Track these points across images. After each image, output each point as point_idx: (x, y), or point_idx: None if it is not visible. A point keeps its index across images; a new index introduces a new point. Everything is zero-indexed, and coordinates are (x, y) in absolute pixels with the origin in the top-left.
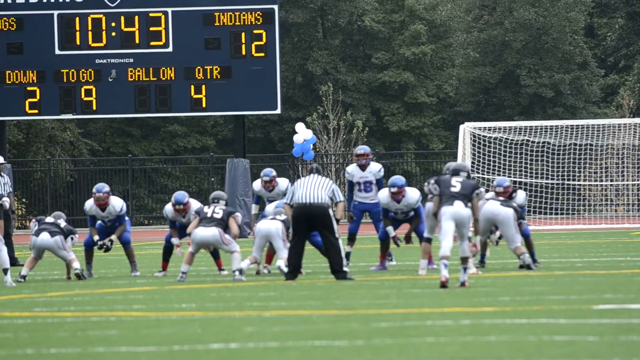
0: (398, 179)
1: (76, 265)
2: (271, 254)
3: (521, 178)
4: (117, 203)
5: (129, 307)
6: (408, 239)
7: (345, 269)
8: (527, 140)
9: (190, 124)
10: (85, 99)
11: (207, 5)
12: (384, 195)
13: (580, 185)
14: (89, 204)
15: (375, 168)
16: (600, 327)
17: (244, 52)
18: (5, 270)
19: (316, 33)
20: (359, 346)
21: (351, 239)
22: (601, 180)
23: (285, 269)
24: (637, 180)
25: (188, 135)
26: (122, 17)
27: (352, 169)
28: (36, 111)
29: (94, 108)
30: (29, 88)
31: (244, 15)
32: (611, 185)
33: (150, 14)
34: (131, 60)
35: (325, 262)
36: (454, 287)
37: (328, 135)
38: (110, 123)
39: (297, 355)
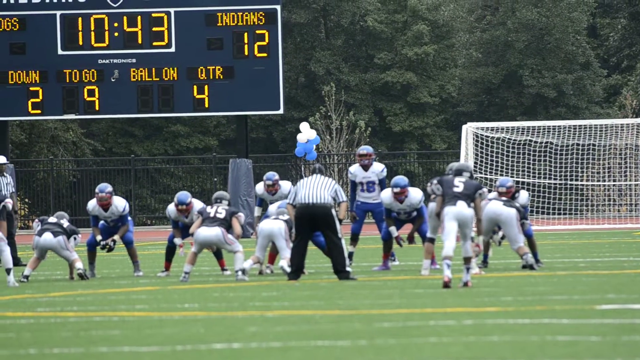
0: (401, 179)
1: (79, 265)
2: (274, 254)
3: (524, 178)
4: (119, 203)
5: (131, 307)
6: (411, 239)
7: (348, 269)
8: (530, 141)
9: (192, 124)
10: (88, 99)
11: (209, 6)
12: (386, 195)
13: (582, 185)
14: (92, 204)
15: (378, 168)
16: (603, 327)
17: (246, 53)
18: (8, 270)
19: (319, 33)
20: (362, 346)
21: (354, 239)
22: (604, 181)
23: (288, 269)
24: None
25: (191, 136)
26: (125, 18)
27: (354, 169)
28: (39, 111)
29: (97, 108)
30: (31, 88)
31: (246, 15)
32: (614, 185)
33: (153, 14)
34: (134, 60)
35: (328, 262)
36: (457, 287)
37: (331, 136)
38: (112, 123)
39: (300, 355)
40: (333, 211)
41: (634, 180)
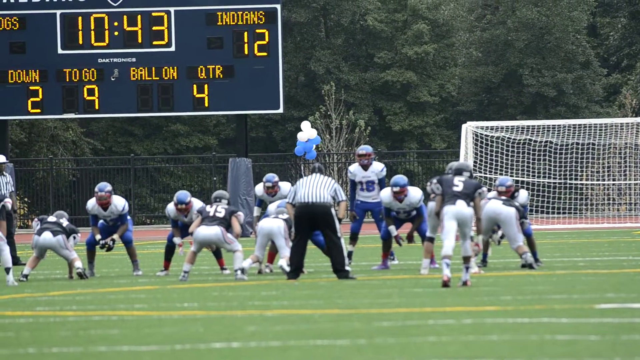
0: (400, 178)
1: (78, 264)
2: (273, 253)
3: (523, 177)
4: (119, 202)
5: (130, 306)
6: (410, 239)
7: (347, 268)
8: (530, 140)
9: (192, 124)
10: (88, 98)
11: (209, 5)
12: (386, 194)
13: (582, 184)
14: (91, 203)
15: (378, 167)
16: (602, 327)
17: (246, 52)
18: (7, 270)
19: (319, 32)
20: (361, 345)
21: (353, 238)
22: (603, 180)
23: (287, 268)
24: (639, 180)
25: (190, 135)
26: (125, 17)
27: (354, 168)
28: (39, 110)
29: (97, 107)
30: (31, 87)
31: (246, 14)
32: (613, 184)
33: (153, 14)
34: (134, 59)
35: (327, 261)
36: (456, 286)
37: (330, 135)
38: (112, 122)
39: (299, 354)
40: (332, 210)
41: (633, 180)
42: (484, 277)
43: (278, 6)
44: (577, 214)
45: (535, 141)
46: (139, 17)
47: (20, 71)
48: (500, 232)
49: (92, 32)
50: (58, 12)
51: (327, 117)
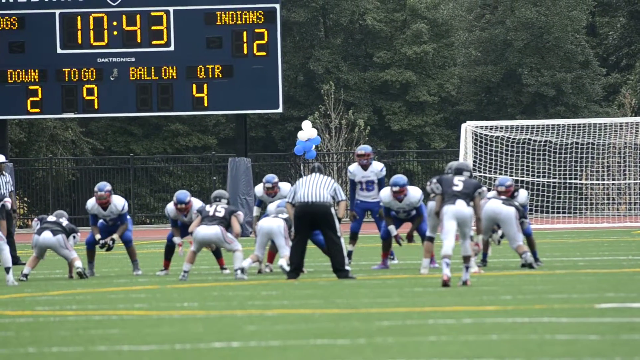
0: (400, 177)
1: (78, 264)
2: (273, 253)
3: (523, 177)
4: (118, 202)
5: (130, 306)
6: (410, 238)
7: (347, 267)
8: (529, 139)
9: (192, 123)
10: (87, 97)
11: (208, 4)
12: (385, 194)
13: (582, 184)
14: (91, 203)
15: (377, 167)
16: (602, 326)
17: (245, 51)
18: (7, 269)
19: (318, 32)
20: (361, 345)
21: (353, 238)
22: (603, 179)
23: (287, 268)
24: (639, 179)
25: (190, 134)
26: (124, 16)
27: (354, 168)
28: (38, 110)
29: (96, 107)
30: (30, 87)
31: (245, 14)
32: (613, 184)
33: (152, 13)
34: (133, 59)
35: (327, 260)
36: (456, 285)
37: (330, 134)
38: (112, 122)
39: (298, 354)
40: (332, 210)
41: (633, 179)
42: (484, 276)
43: (277, 6)
44: (576, 214)
45: (534, 141)
46: (138, 16)
47: (20, 71)
48: (500, 232)
49: (91, 32)
50: (57, 11)
51: (327, 116)
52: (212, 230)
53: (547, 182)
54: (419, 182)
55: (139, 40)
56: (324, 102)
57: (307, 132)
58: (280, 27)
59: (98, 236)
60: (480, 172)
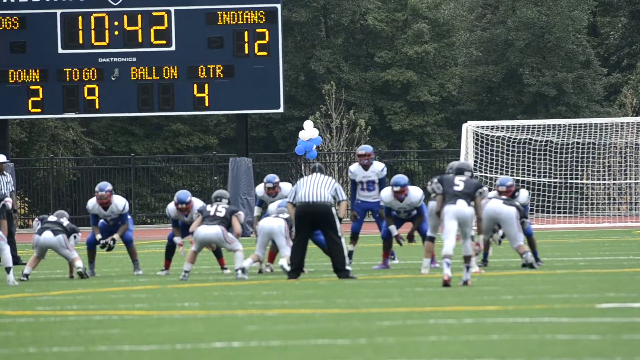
0: (401, 177)
1: (79, 264)
2: (274, 253)
3: (524, 177)
4: (119, 202)
5: (131, 305)
6: (411, 238)
7: (347, 267)
8: (530, 139)
9: (193, 123)
10: (88, 97)
11: (210, 4)
12: (386, 194)
13: (583, 184)
14: (92, 203)
15: (378, 167)
16: (602, 326)
17: (246, 51)
18: (8, 269)
19: (319, 32)
20: (362, 345)
21: (354, 238)
22: (604, 179)
23: (288, 268)
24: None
25: (191, 134)
26: (125, 16)
27: (354, 168)
28: (39, 110)
29: (97, 107)
30: (31, 87)
31: (246, 14)
32: (614, 184)
33: (153, 13)
34: (134, 59)
35: (327, 260)
36: (457, 285)
37: (331, 134)
38: (113, 122)
39: (299, 354)
40: (333, 210)
41: (634, 179)
42: (485, 276)
43: (278, 6)
44: (577, 214)
45: (535, 140)
46: (139, 16)
47: (21, 71)
48: (500, 232)
49: (93, 32)
50: (58, 11)
51: (328, 116)
52: (212, 230)
53: (548, 182)
54: (419, 182)
55: (140, 40)
56: (325, 102)
57: (309, 131)
58: (282, 27)
59: (99, 236)
60: (481, 172)
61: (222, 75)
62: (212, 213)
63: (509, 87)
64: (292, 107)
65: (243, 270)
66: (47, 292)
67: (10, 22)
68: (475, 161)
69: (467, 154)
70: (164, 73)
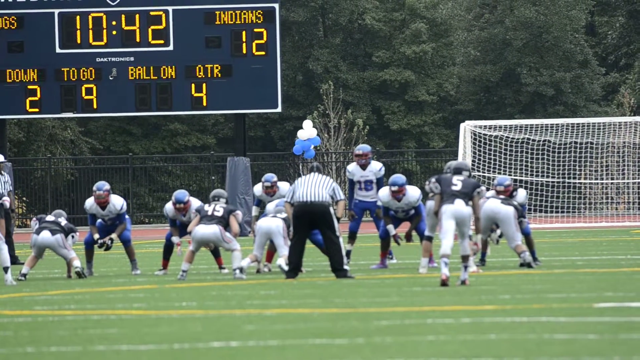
0: (399, 177)
1: (77, 263)
2: (272, 252)
3: (522, 176)
4: (117, 201)
5: (129, 305)
6: (409, 238)
7: (345, 267)
8: (528, 139)
9: (190, 123)
10: (86, 97)
11: (207, 4)
12: (384, 193)
13: (580, 183)
14: (90, 203)
15: (376, 167)
16: (600, 326)
17: (244, 51)
18: (5, 269)
19: (317, 31)
20: (359, 344)
21: (352, 237)
22: (602, 179)
23: (286, 268)
24: (638, 179)
25: (189, 134)
26: (123, 16)
27: (352, 167)
28: (37, 110)
29: (95, 106)
30: (29, 86)
31: (244, 13)
32: (612, 183)
33: (151, 13)
34: (132, 58)
35: (325, 260)
36: (455, 285)
37: (329, 134)
38: (110, 121)
39: (297, 353)
40: (331, 209)
41: (631, 179)
42: (483, 276)
43: (276, 5)
44: (575, 213)
45: (533, 140)
46: (137, 16)
47: (19, 70)
48: (498, 231)
49: (90, 31)
50: (56, 11)
51: (326, 116)
52: (210, 230)
53: (546, 181)
54: (417, 182)
55: (138, 39)
56: (322, 101)
57: (308, 131)
58: (279, 27)
59: (97, 236)
60: (479, 171)
61: (219, 75)
62: (210, 213)
63: (507, 87)
64: (290, 107)
65: (241, 269)
66: (45, 291)
67: (7, 22)
68: (473, 161)
69: (464, 153)
70: (162, 73)
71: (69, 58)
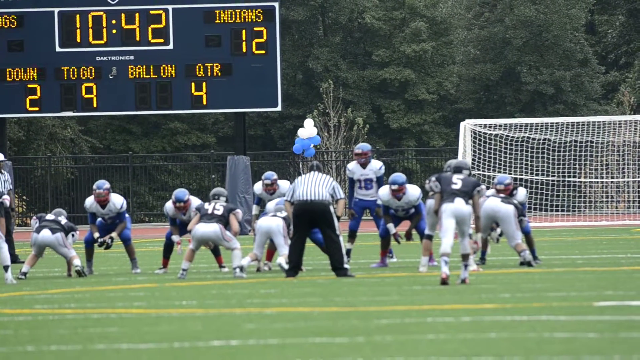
0: (399, 176)
1: (77, 262)
2: (272, 251)
3: (522, 175)
4: (117, 200)
5: (129, 304)
6: (409, 236)
7: (345, 266)
8: (528, 137)
9: (190, 121)
10: (86, 96)
11: (207, 3)
12: (384, 192)
13: (580, 182)
14: (89, 201)
15: (376, 166)
16: (600, 324)
17: (244, 50)
18: (5, 268)
19: (317, 30)
20: (360, 343)
21: (352, 236)
22: (602, 177)
23: (286, 266)
24: (638, 177)
25: (189, 133)
26: (123, 15)
27: (352, 166)
28: (37, 108)
29: (95, 105)
30: (29, 85)
31: (244, 12)
32: (612, 182)
33: (151, 11)
34: (132, 57)
35: (325, 259)
36: (455, 284)
37: (329, 133)
38: (110, 120)
39: (297, 352)
40: (331, 208)
41: (631, 177)
42: (483, 274)
43: (276, 4)
44: (575, 212)
45: (533, 139)
46: (136, 15)
47: (19, 69)
48: (498, 230)
49: (90, 30)
50: (56, 10)
51: (326, 115)
52: (210, 228)
53: (546, 180)
54: (417, 181)
55: (137, 38)
56: (322, 100)
57: (308, 130)
58: (279, 26)
59: (97, 234)
60: (479, 170)
61: (219, 74)
62: (210, 211)
63: (507, 86)
64: (290, 106)
65: (241, 268)
66: (45, 290)
67: (7, 21)
68: (473, 159)
69: (465, 152)
70: (162, 71)
71: (69, 57)
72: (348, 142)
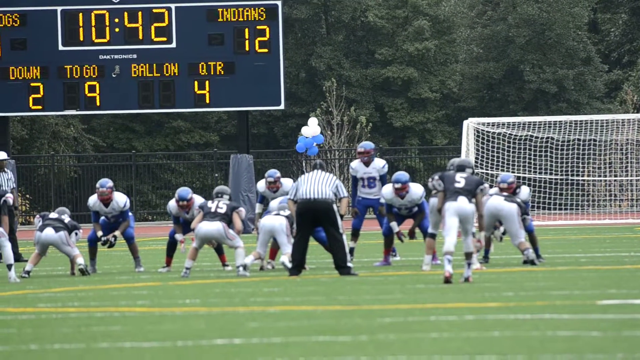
0: (402, 174)
1: (80, 260)
2: (275, 250)
3: (525, 173)
4: (120, 199)
5: (132, 302)
6: (412, 235)
7: (349, 264)
8: (531, 136)
9: (193, 120)
10: (89, 94)
11: (210, 1)
12: (387, 191)
13: (584, 180)
14: (93, 200)
15: (379, 164)
16: (603, 323)
17: (247, 48)
18: (9, 266)
19: (320, 29)
20: (363, 341)
21: (355, 235)
22: (605, 176)
23: (289, 265)
24: None
25: (192, 131)
26: (126, 13)
27: (355, 164)
28: (40, 107)
29: (98, 104)
30: (32, 84)
31: (247, 11)
32: (615, 180)
33: (154, 10)
34: (135, 56)
35: (329, 257)
36: (458, 282)
37: (332, 131)
38: (113, 119)
39: (300, 350)
40: (334, 206)
41: (634, 176)
42: (486, 273)
43: (279, 2)
44: (578, 210)
45: (536, 137)
46: (139, 13)
47: (22, 67)
48: (502, 229)
49: (93, 29)
50: (59, 8)
51: (329, 113)
52: (214, 227)
53: (549, 178)
54: (420, 179)
55: (140, 37)
56: (325, 98)
57: (312, 128)
58: (282, 24)
59: (100, 233)
60: (482, 168)
61: (222, 72)
62: (213, 209)
63: (510, 84)
64: (293, 104)
65: (244, 267)
66: (48, 289)
67: (10, 19)
68: (476, 158)
69: (468, 150)
70: (165, 70)
71: (72, 55)
72: (351, 141)
